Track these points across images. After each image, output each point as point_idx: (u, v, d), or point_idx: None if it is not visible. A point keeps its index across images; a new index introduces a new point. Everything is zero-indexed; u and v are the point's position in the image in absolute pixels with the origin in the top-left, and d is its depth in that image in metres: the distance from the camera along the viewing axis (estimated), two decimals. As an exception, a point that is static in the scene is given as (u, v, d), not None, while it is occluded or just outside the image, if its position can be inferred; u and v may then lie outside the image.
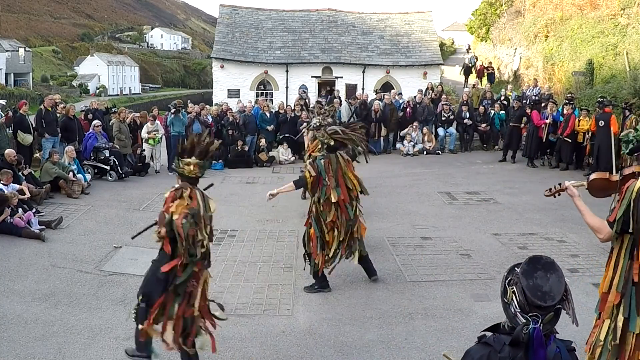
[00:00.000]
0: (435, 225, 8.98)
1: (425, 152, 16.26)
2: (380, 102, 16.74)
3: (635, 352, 3.41)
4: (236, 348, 5.05)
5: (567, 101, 13.66)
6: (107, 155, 12.23)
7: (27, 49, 61.67)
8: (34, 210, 8.74)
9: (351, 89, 23.04)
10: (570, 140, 13.06)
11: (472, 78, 27.14)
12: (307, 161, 8.39)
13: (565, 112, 13.46)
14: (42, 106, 12.39)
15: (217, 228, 8.83)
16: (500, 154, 15.13)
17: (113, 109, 15.50)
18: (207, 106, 16.20)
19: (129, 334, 5.29)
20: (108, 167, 12.24)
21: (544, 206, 9.53)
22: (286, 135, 15.72)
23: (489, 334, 2.16)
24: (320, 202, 6.07)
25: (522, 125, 14.54)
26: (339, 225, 6.09)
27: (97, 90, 67.83)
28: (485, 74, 24.10)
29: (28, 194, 9.13)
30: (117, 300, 6.09)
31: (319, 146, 7.64)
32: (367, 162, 7.31)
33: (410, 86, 22.34)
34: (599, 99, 12.64)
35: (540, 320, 2.02)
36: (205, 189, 4.52)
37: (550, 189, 3.97)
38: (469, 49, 37.91)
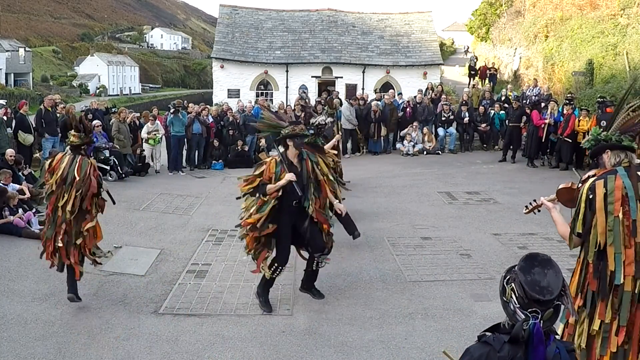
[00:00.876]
0: (435, 225, 8.98)
1: (425, 152, 16.26)
2: (379, 103, 16.75)
3: (604, 354, 3.45)
4: (236, 348, 5.06)
5: (567, 101, 13.66)
6: (107, 155, 12.23)
7: (27, 49, 61.68)
8: (34, 210, 8.75)
9: (351, 89, 23.05)
10: (570, 140, 13.06)
11: (475, 79, 27.22)
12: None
13: (565, 112, 13.46)
14: (42, 106, 12.40)
15: (217, 228, 8.87)
16: (500, 154, 15.14)
17: (113, 109, 15.51)
18: (208, 106, 16.21)
19: (129, 334, 5.30)
20: (108, 167, 12.23)
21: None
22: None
23: (488, 333, 2.17)
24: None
25: (522, 125, 14.54)
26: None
27: (97, 90, 67.85)
28: (488, 75, 23.95)
29: (28, 194, 9.13)
30: (117, 300, 6.09)
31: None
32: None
33: (410, 86, 22.34)
34: (598, 99, 12.64)
35: (539, 316, 2.03)
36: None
37: (526, 206, 4.18)
38: (467, 50, 37.85)
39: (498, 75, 24.63)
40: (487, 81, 22.57)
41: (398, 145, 16.73)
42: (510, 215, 9.57)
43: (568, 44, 19.95)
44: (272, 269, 5.74)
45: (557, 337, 2.14)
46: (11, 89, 50.59)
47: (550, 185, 11.11)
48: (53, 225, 5.73)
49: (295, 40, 24.80)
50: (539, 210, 4.10)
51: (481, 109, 16.68)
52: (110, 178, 12.22)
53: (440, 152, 16.47)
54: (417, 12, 26.85)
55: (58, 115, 12.43)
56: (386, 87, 22.91)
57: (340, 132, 13.40)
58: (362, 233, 7.88)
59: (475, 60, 32.08)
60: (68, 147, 5.96)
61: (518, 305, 2.08)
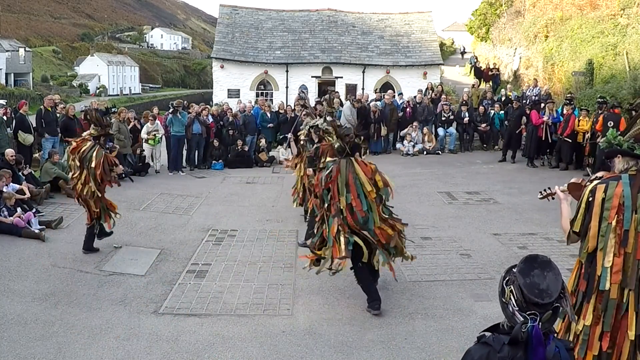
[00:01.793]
0: (435, 225, 8.98)
1: (425, 152, 16.26)
2: (378, 103, 16.75)
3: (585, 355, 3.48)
4: (236, 348, 5.06)
5: (567, 101, 13.67)
6: (107, 155, 12.21)
7: (27, 49, 61.68)
8: (34, 210, 8.75)
9: (351, 89, 23.05)
10: (570, 140, 13.06)
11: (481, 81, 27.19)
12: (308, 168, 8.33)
13: (565, 112, 13.46)
14: (42, 106, 12.40)
15: (217, 228, 8.87)
16: (500, 154, 15.14)
17: (113, 109, 15.50)
18: (208, 106, 16.21)
19: (129, 334, 5.30)
20: (108, 167, 12.22)
21: (544, 206, 9.49)
22: (286, 135, 15.71)
23: (488, 334, 2.17)
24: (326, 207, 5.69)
25: (522, 125, 14.54)
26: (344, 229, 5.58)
27: (97, 90, 67.86)
28: (491, 76, 23.69)
29: (28, 194, 9.14)
30: (117, 300, 6.09)
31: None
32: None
33: (410, 86, 22.33)
34: (598, 99, 12.64)
35: (538, 319, 2.03)
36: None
37: (541, 192, 4.19)
38: (464, 51, 37.69)
39: (499, 76, 24.48)
40: (490, 82, 22.38)
41: (398, 145, 16.73)
42: (510, 215, 9.57)
43: (568, 44, 19.94)
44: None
45: (556, 335, 2.14)
46: (11, 89, 50.60)
47: (551, 185, 11.11)
48: (74, 192, 7.60)
49: (295, 40, 24.80)
50: (552, 198, 4.13)
51: (481, 109, 16.69)
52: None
53: (440, 152, 16.47)
54: (417, 12, 26.84)
55: (58, 115, 12.43)
56: (386, 87, 22.90)
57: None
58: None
59: (475, 60, 32.03)
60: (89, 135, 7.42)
61: (517, 308, 2.08)
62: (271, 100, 22.61)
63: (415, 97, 17.36)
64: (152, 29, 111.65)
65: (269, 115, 16.03)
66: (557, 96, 17.44)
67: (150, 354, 4.94)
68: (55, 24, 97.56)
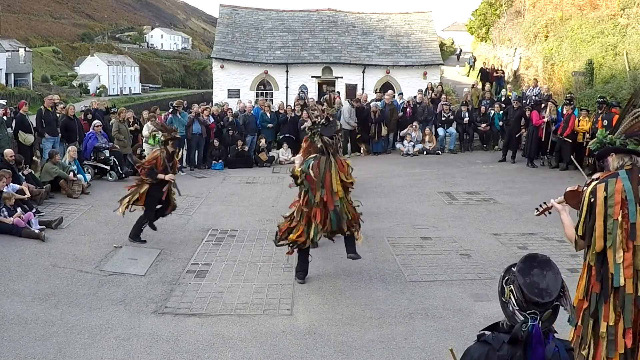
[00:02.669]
0: (435, 225, 8.98)
1: (425, 152, 16.25)
2: (378, 103, 16.75)
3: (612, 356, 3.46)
4: (236, 348, 5.06)
5: (566, 101, 13.66)
6: (108, 155, 12.23)
7: (27, 49, 61.65)
8: (34, 210, 8.74)
9: (351, 89, 23.04)
10: (570, 140, 13.06)
11: (474, 78, 27.08)
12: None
13: (565, 112, 13.46)
14: (42, 106, 12.39)
15: (217, 228, 8.87)
16: (500, 154, 15.14)
17: (113, 109, 15.49)
18: (208, 106, 16.21)
19: (129, 334, 5.31)
20: (108, 167, 12.24)
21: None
22: (286, 135, 15.72)
23: (488, 332, 2.17)
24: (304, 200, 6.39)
25: (522, 125, 14.55)
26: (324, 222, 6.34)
27: (97, 91, 67.85)
28: (495, 78, 23.23)
29: (28, 194, 9.13)
30: (117, 300, 6.09)
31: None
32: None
33: (410, 86, 22.31)
34: (598, 99, 12.65)
35: (538, 318, 2.03)
36: None
37: (537, 209, 4.15)
38: (460, 53, 37.57)
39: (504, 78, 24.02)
40: (494, 84, 22.02)
41: (398, 145, 16.73)
42: (510, 215, 9.57)
43: (568, 44, 19.93)
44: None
45: (556, 335, 2.14)
46: (11, 89, 50.57)
47: (551, 185, 11.13)
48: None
49: (295, 40, 24.79)
50: (549, 212, 4.10)
51: (482, 108, 16.68)
52: (110, 178, 12.23)
53: (440, 152, 16.46)
54: (417, 12, 26.83)
55: (58, 115, 12.42)
56: (386, 87, 22.88)
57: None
58: (362, 233, 7.87)
59: (473, 60, 31.99)
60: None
61: (517, 307, 2.08)
62: (271, 100, 22.60)
63: (415, 97, 17.36)
64: (152, 29, 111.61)
65: (268, 115, 16.03)
66: (557, 96, 17.43)
67: (150, 354, 4.95)
68: (55, 24, 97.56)
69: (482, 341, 2.13)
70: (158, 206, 8.22)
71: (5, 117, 11.96)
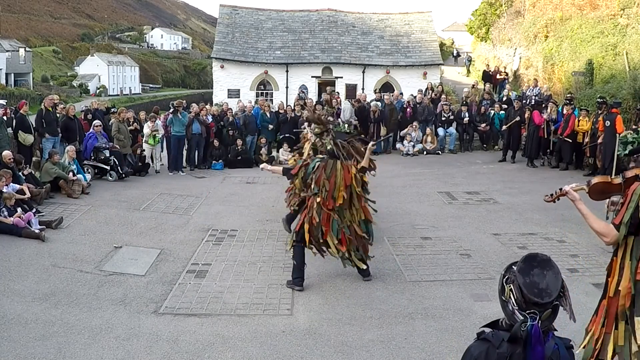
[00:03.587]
0: (435, 225, 8.98)
1: (425, 152, 16.26)
2: (378, 103, 16.76)
3: None
4: (236, 348, 5.06)
5: (566, 101, 13.67)
6: (108, 155, 12.23)
7: (27, 49, 61.66)
8: (34, 210, 8.74)
9: (351, 89, 23.04)
10: (570, 140, 13.07)
11: (473, 78, 27.06)
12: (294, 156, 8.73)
13: (565, 112, 13.46)
14: (42, 106, 12.39)
15: (217, 228, 8.87)
16: (500, 154, 15.14)
17: (113, 109, 15.49)
18: (207, 106, 16.21)
19: (129, 334, 5.31)
20: (108, 167, 12.24)
21: (544, 206, 9.53)
22: (286, 135, 15.72)
23: (487, 329, 2.17)
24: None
25: (522, 125, 14.56)
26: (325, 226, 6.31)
27: (97, 91, 67.86)
28: (499, 80, 22.95)
29: (28, 194, 9.13)
30: (117, 300, 6.09)
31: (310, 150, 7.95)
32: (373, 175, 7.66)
33: (410, 86, 22.32)
34: (598, 99, 12.66)
35: (538, 317, 2.03)
36: None
37: (551, 195, 3.91)
38: (458, 55, 37.47)
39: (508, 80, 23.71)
40: (498, 87, 21.82)
41: (398, 145, 16.73)
42: (510, 215, 9.57)
43: (568, 44, 19.93)
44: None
45: (555, 332, 2.14)
46: (11, 89, 50.58)
47: (551, 185, 11.12)
48: None
49: (295, 40, 24.80)
50: (558, 199, 3.87)
51: (482, 108, 16.68)
52: (110, 178, 12.23)
53: (440, 152, 16.47)
54: (417, 12, 26.84)
55: (58, 115, 12.42)
56: (386, 87, 22.90)
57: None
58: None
59: (469, 61, 31.95)
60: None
61: (517, 307, 2.08)
62: (271, 100, 22.61)
63: (415, 97, 17.36)
64: (152, 29, 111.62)
65: (268, 115, 16.03)
66: (557, 96, 17.43)
67: (150, 354, 4.95)
68: (55, 24, 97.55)
69: (481, 339, 2.13)
70: None
71: (5, 117, 11.96)
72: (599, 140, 12.04)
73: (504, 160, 14.78)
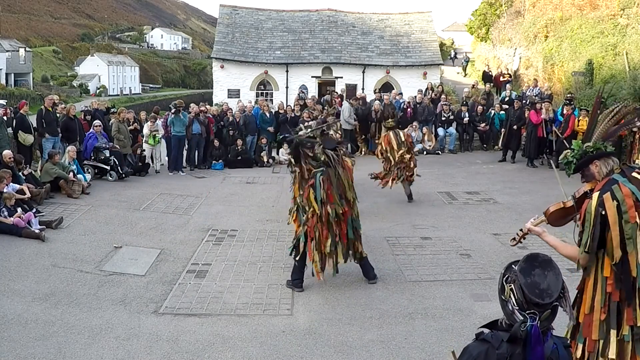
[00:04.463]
0: (435, 225, 8.98)
1: (425, 152, 16.26)
2: (379, 102, 16.75)
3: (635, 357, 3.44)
4: (236, 348, 5.06)
5: (566, 101, 13.66)
6: (108, 155, 12.22)
7: (27, 49, 61.65)
8: (34, 210, 8.74)
9: (351, 89, 23.05)
10: (565, 141, 13.05)
11: (472, 78, 27.06)
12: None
13: (565, 112, 13.46)
14: (42, 106, 12.40)
15: (217, 228, 8.87)
16: (500, 154, 15.14)
17: (113, 109, 15.50)
18: (208, 106, 16.21)
19: (129, 334, 5.31)
20: (108, 167, 12.24)
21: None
22: (286, 135, 15.69)
23: (486, 330, 2.17)
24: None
25: (522, 125, 14.56)
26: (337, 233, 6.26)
27: (98, 91, 67.85)
28: (502, 81, 22.10)
29: (28, 194, 9.13)
30: (117, 300, 6.09)
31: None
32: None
33: (410, 86, 22.33)
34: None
35: (537, 318, 2.03)
36: None
37: (514, 238, 3.91)
38: (455, 57, 37.45)
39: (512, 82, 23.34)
40: (501, 89, 21.56)
41: (398, 145, 16.70)
42: (510, 215, 9.57)
43: (568, 44, 19.93)
44: None
45: (553, 331, 2.14)
46: (11, 89, 50.55)
47: (551, 185, 11.12)
48: None
49: (295, 40, 24.80)
50: (524, 239, 3.88)
51: (480, 108, 16.68)
52: (110, 178, 12.23)
53: (440, 152, 16.47)
54: (417, 12, 26.85)
55: (58, 115, 12.42)
56: (386, 87, 22.90)
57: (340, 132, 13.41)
58: (362, 233, 7.87)
59: (466, 61, 31.94)
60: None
61: (517, 307, 2.08)
62: (271, 100, 22.61)
63: (415, 97, 17.36)
64: (152, 29, 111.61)
65: (267, 115, 16.02)
66: (557, 96, 17.43)
67: (150, 354, 4.95)
68: (55, 24, 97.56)
69: (481, 339, 2.13)
70: None
71: (5, 117, 11.96)
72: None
73: (504, 160, 14.79)
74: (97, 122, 12.85)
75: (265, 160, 15.24)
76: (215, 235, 8.53)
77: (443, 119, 16.64)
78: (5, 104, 25.46)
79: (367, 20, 26.06)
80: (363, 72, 23.73)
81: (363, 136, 16.66)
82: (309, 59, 23.91)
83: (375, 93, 19.35)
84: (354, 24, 25.65)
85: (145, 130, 13.68)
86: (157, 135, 13.69)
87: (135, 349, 5.01)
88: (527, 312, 2.04)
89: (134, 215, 9.58)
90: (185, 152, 14.41)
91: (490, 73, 24.60)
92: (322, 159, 6.26)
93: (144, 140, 13.82)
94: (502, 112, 16.38)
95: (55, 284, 6.45)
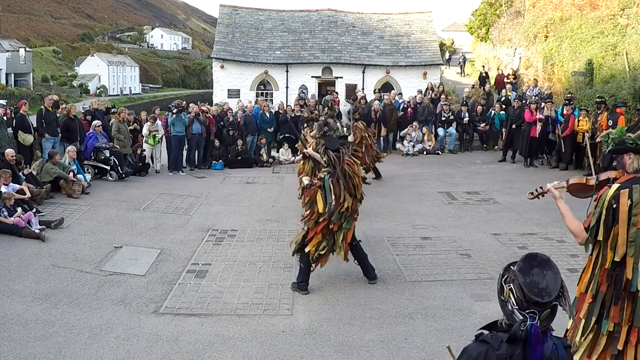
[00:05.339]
0: (435, 225, 8.98)
1: (425, 152, 16.26)
2: (379, 102, 16.76)
3: (606, 350, 3.48)
4: (236, 348, 5.06)
5: (566, 101, 13.66)
6: (108, 155, 12.23)
7: (27, 49, 61.62)
8: (34, 210, 8.74)
9: (351, 89, 23.05)
10: (563, 142, 13.09)
11: (476, 80, 27.05)
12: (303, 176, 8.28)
13: (565, 112, 13.46)
14: (42, 106, 12.40)
15: (217, 228, 8.87)
16: (500, 154, 15.14)
17: (113, 109, 15.50)
18: (208, 106, 16.21)
19: (129, 334, 5.31)
20: (108, 167, 12.24)
21: (544, 206, 9.52)
22: (286, 135, 15.72)
23: (486, 331, 2.17)
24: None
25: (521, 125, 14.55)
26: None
27: (98, 91, 67.87)
28: (505, 83, 21.08)
29: (28, 194, 9.14)
30: (117, 300, 6.10)
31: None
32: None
33: (410, 86, 22.32)
34: (597, 99, 12.66)
35: (537, 317, 2.03)
36: None
37: (532, 192, 3.97)
38: (450, 58, 37.43)
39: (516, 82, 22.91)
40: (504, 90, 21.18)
41: (398, 145, 16.74)
42: (510, 215, 9.57)
43: (568, 44, 19.92)
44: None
45: (553, 332, 2.14)
46: (11, 89, 50.52)
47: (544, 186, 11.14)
48: None
49: (295, 40, 24.80)
50: (542, 196, 3.93)
51: (480, 108, 16.68)
52: (110, 178, 12.23)
53: (440, 152, 16.47)
54: (417, 12, 26.84)
55: (58, 115, 12.43)
56: (386, 87, 22.89)
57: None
58: (362, 233, 7.88)
59: (463, 61, 31.96)
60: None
61: (516, 307, 2.08)
62: (271, 100, 22.61)
63: (415, 97, 17.37)
64: (152, 29, 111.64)
65: (267, 115, 16.02)
66: (557, 96, 17.43)
67: (150, 354, 4.95)
68: (55, 24, 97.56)
69: (480, 340, 2.13)
70: None
71: (5, 117, 11.96)
72: (597, 140, 12.02)
73: (504, 160, 14.79)
74: (97, 122, 12.85)
75: (264, 159, 15.24)
76: (215, 235, 8.53)
77: (443, 119, 16.64)
78: (5, 104, 25.44)
79: (367, 20, 26.06)
80: (363, 72, 23.72)
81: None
82: (309, 59, 23.91)
83: (375, 93, 19.36)
84: (354, 24, 25.65)
85: (145, 130, 13.68)
86: (156, 135, 13.69)
87: (135, 349, 5.01)
88: (527, 311, 2.05)
89: (134, 215, 9.59)
90: (185, 152, 14.41)
91: (484, 74, 24.51)
92: (324, 159, 6.30)
93: (143, 140, 13.82)
94: (502, 112, 16.38)
95: (55, 284, 6.45)
